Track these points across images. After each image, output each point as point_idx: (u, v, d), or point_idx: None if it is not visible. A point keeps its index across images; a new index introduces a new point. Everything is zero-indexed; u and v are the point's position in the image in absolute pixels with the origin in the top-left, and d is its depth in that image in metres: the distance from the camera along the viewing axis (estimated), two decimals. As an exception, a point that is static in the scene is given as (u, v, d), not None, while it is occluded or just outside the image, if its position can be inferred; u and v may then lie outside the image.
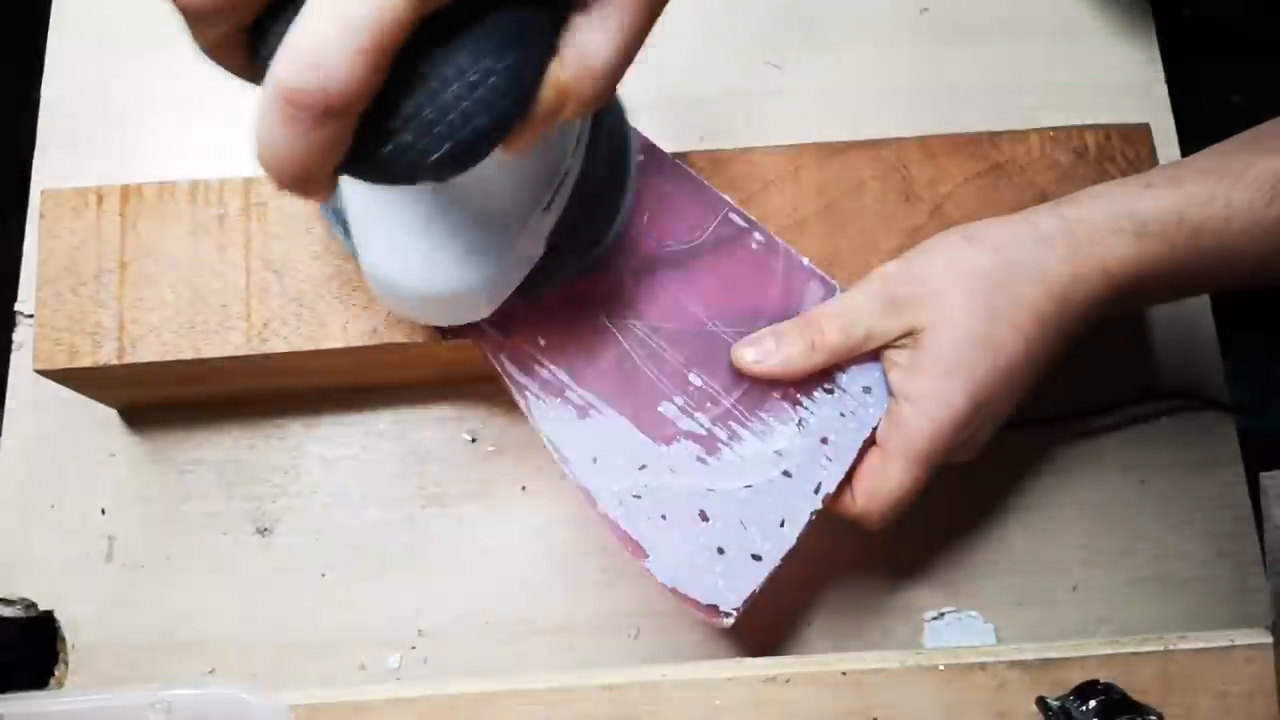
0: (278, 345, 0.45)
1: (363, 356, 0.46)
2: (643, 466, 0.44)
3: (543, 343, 0.44)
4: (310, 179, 0.26)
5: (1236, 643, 0.40)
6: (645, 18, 0.28)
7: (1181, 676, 0.40)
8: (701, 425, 0.44)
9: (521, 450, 0.52)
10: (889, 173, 0.49)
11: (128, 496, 0.52)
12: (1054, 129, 0.50)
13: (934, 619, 0.51)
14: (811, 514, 0.44)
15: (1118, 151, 0.50)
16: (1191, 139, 0.45)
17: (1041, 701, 0.39)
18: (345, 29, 0.23)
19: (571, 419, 0.44)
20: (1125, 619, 0.51)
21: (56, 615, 0.50)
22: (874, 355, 0.45)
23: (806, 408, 0.45)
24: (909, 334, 0.43)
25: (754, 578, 0.43)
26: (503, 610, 0.51)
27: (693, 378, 0.45)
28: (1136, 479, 0.53)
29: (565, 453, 0.43)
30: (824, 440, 0.44)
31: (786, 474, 0.44)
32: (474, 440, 0.53)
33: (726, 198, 0.47)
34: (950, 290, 0.42)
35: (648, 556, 0.43)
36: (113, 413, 0.52)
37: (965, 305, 0.42)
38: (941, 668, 0.40)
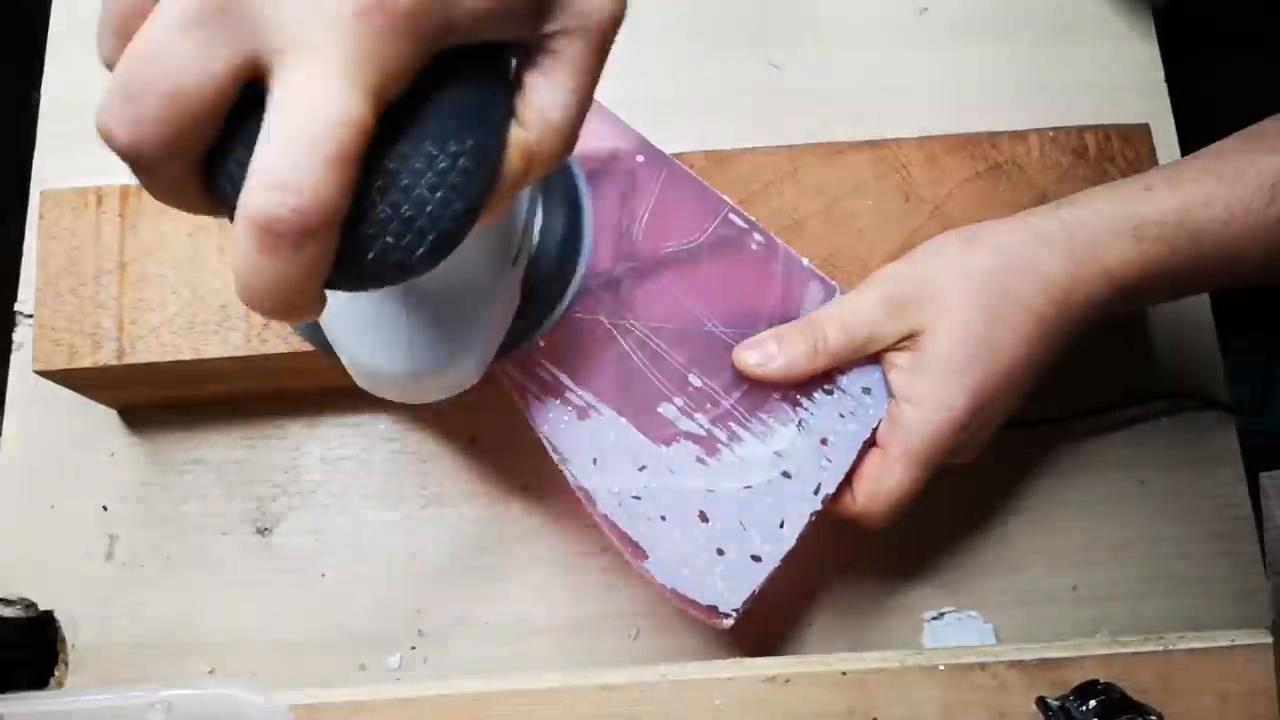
0: (277, 346, 0.45)
1: (363, 356, 0.46)
2: (642, 467, 0.44)
3: (542, 344, 0.44)
4: (300, 304, 0.25)
5: (1236, 643, 0.40)
6: (597, 61, 0.28)
7: (1181, 676, 0.40)
8: (701, 426, 0.44)
9: (521, 450, 0.52)
10: (889, 173, 0.49)
11: (128, 496, 0.52)
12: (1054, 129, 0.50)
13: (934, 619, 0.51)
14: (811, 515, 0.44)
15: (1117, 152, 0.50)
16: (1191, 139, 0.45)
17: (1041, 701, 0.39)
18: (309, 145, 0.22)
19: (571, 420, 0.44)
20: (1125, 619, 0.51)
21: (56, 615, 0.50)
22: (874, 357, 0.45)
23: (806, 409, 0.45)
24: (910, 336, 0.43)
25: (754, 579, 0.43)
26: (503, 610, 0.51)
27: (692, 379, 0.45)
28: (1136, 479, 0.53)
29: (565, 454, 0.44)
30: (824, 441, 0.44)
31: (786, 475, 0.44)
32: (474, 440, 0.53)
33: (726, 198, 0.47)
34: (951, 292, 0.42)
35: (647, 557, 0.43)
36: (113, 413, 0.52)
37: (966, 307, 0.42)
38: (941, 668, 0.40)
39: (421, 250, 0.26)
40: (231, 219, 0.25)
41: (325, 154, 0.22)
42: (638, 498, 0.43)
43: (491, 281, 0.39)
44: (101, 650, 0.50)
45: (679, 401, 0.44)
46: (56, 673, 0.49)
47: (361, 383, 0.41)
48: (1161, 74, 0.59)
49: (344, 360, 0.40)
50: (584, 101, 0.28)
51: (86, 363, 0.45)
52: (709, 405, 0.44)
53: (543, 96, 0.27)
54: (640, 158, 0.46)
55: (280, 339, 0.45)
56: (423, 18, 0.23)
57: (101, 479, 0.52)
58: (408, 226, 0.25)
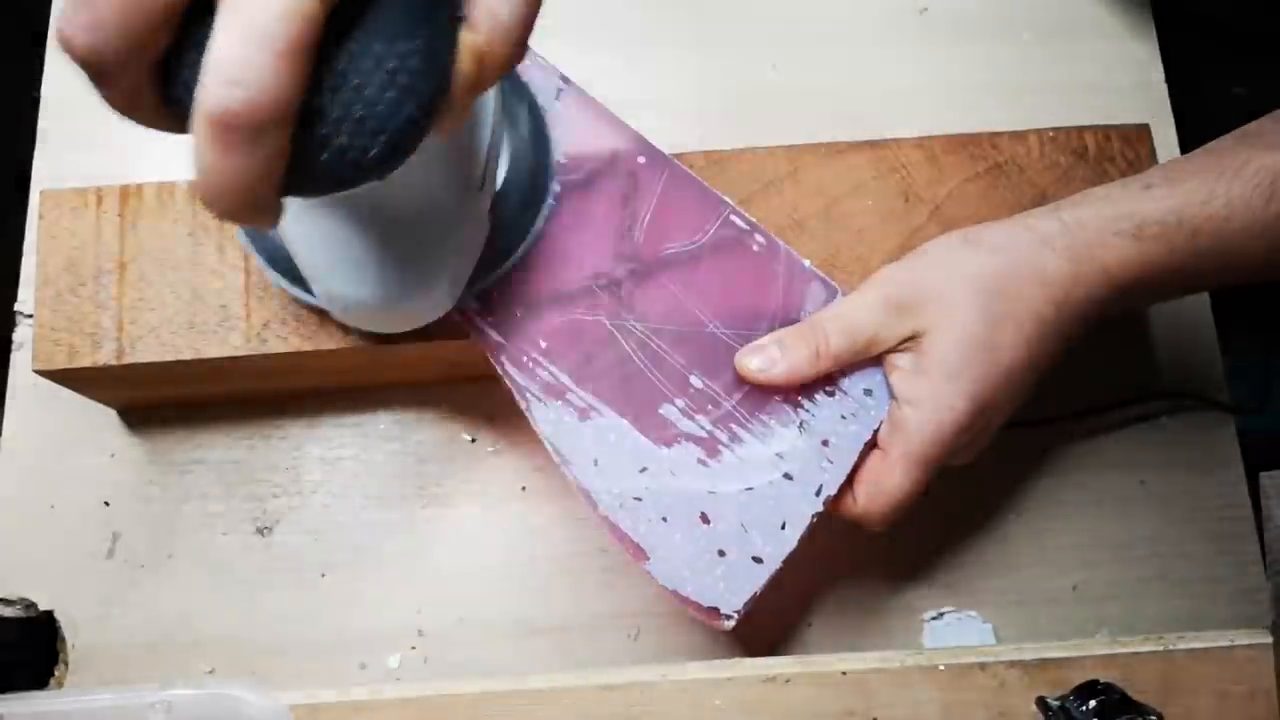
0: (277, 346, 0.45)
1: (362, 357, 0.46)
2: (643, 469, 0.44)
3: (544, 345, 0.44)
4: (256, 203, 0.25)
5: (1236, 643, 0.40)
6: None
7: (1181, 676, 0.40)
8: (702, 427, 0.44)
9: (521, 450, 0.52)
10: (889, 173, 0.49)
11: (128, 496, 0.52)
12: (1054, 129, 0.50)
13: (934, 619, 0.51)
14: (812, 516, 0.44)
15: (1117, 152, 0.50)
16: (1191, 139, 0.45)
17: (1041, 701, 0.39)
18: (260, 39, 0.23)
19: (572, 421, 0.44)
20: (1125, 619, 0.51)
21: (56, 615, 0.50)
22: (876, 359, 0.45)
23: (807, 410, 0.45)
24: (911, 338, 0.43)
25: (755, 580, 0.43)
26: (503, 610, 0.51)
27: (694, 380, 0.45)
28: (1136, 479, 0.53)
29: (566, 455, 0.43)
30: (825, 443, 0.44)
31: (787, 476, 0.44)
32: (474, 440, 0.53)
33: (727, 199, 0.47)
34: (951, 294, 0.42)
35: (648, 559, 0.43)
36: (113, 413, 0.52)
37: (966, 309, 0.42)
38: (941, 668, 0.40)
39: (375, 151, 0.26)
40: (186, 131, 0.25)
41: (277, 46, 0.23)
42: (639, 499, 0.43)
43: (458, 206, 0.39)
44: (101, 650, 0.50)
45: (680, 403, 0.44)
46: (56, 673, 0.49)
47: (338, 314, 0.41)
48: (1161, 74, 0.59)
49: (318, 292, 0.40)
50: (533, 2, 0.28)
51: (86, 362, 0.45)
52: (710, 406, 0.44)
53: None
54: (642, 159, 0.46)
55: (280, 339, 0.45)
56: None
57: (101, 479, 0.52)
58: (360, 127, 0.26)
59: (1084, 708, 0.38)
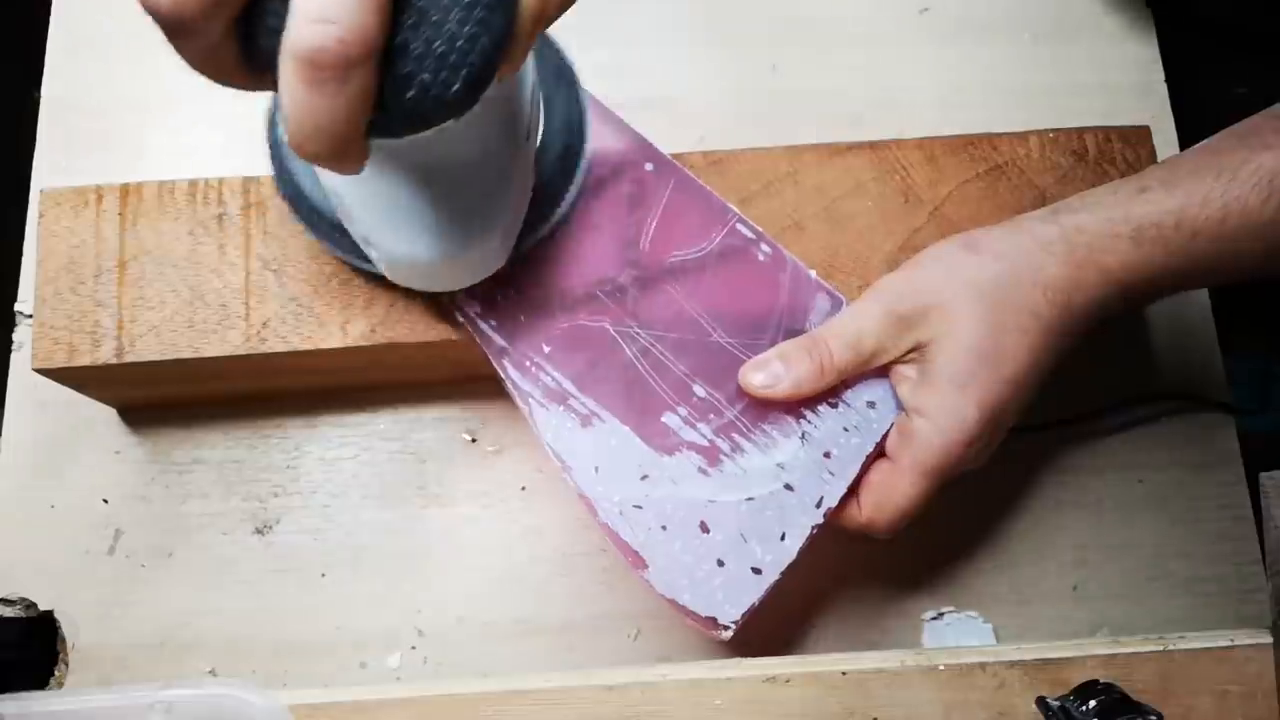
0: (276, 345, 0.45)
1: (361, 356, 0.46)
2: (644, 476, 0.43)
3: (547, 350, 0.44)
4: (346, 143, 0.26)
5: (1236, 643, 0.40)
6: None
7: (1181, 676, 0.40)
8: (704, 436, 0.44)
9: (521, 450, 0.52)
10: (889, 174, 0.49)
11: (128, 496, 0.52)
12: (1054, 130, 0.50)
13: (933, 619, 0.51)
14: (812, 528, 0.44)
15: (1117, 153, 0.50)
16: (1191, 139, 0.45)
17: (1041, 701, 0.39)
18: None
19: (574, 427, 0.44)
20: (1125, 619, 0.51)
21: (56, 615, 0.50)
22: (881, 369, 0.44)
23: (810, 421, 0.44)
24: (916, 348, 0.43)
25: (753, 591, 0.43)
26: (503, 610, 0.51)
27: (696, 388, 0.45)
28: (1136, 479, 0.53)
29: (567, 461, 0.43)
30: (827, 454, 0.44)
31: (788, 487, 0.44)
32: (474, 440, 0.53)
33: (734, 208, 0.47)
34: (954, 302, 0.42)
35: (647, 567, 0.43)
36: (113, 412, 0.52)
37: (970, 317, 0.42)
38: (941, 668, 0.40)
39: (457, 86, 0.27)
40: (266, 87, 0.27)
41: None
42: (639, 507, 0.43)
43: (507, 159, 0.40)
44: (101, 650, 0.50)
45: (682, 411, 0.44)
46: (56, 673, 0.49)
47: (394, 275, 0.42)
48: (1161, 74, 0.59)
49: (376, 256, 0.41)
50: None
51: (86, 361, 0.45)
52: (712, 415, 0.44)
53: None
54: (649, 166, 0.46)
55: (280, 338, 0.45)
56: None
57: (101, 479, 0.52)
58: (442, 62, 0.27)
59: (1084, 708, 0.38)
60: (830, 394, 0.45)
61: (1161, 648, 0.40)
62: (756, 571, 0.43)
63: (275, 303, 0.46)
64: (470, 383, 0.52)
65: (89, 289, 0.45)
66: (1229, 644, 0.40)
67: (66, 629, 0.50)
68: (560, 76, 0.46)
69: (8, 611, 0.49)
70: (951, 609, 0.51)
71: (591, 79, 0.47)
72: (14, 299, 0.53)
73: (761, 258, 0.46)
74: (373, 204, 0.39)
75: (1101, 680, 0.39)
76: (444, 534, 0.52)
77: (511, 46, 0.28)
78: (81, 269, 0.46)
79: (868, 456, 0.44)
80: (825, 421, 0.44)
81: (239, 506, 0.52)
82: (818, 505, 0.44)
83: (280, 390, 0.51)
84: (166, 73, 0.56)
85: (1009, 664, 0.40)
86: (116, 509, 0.51)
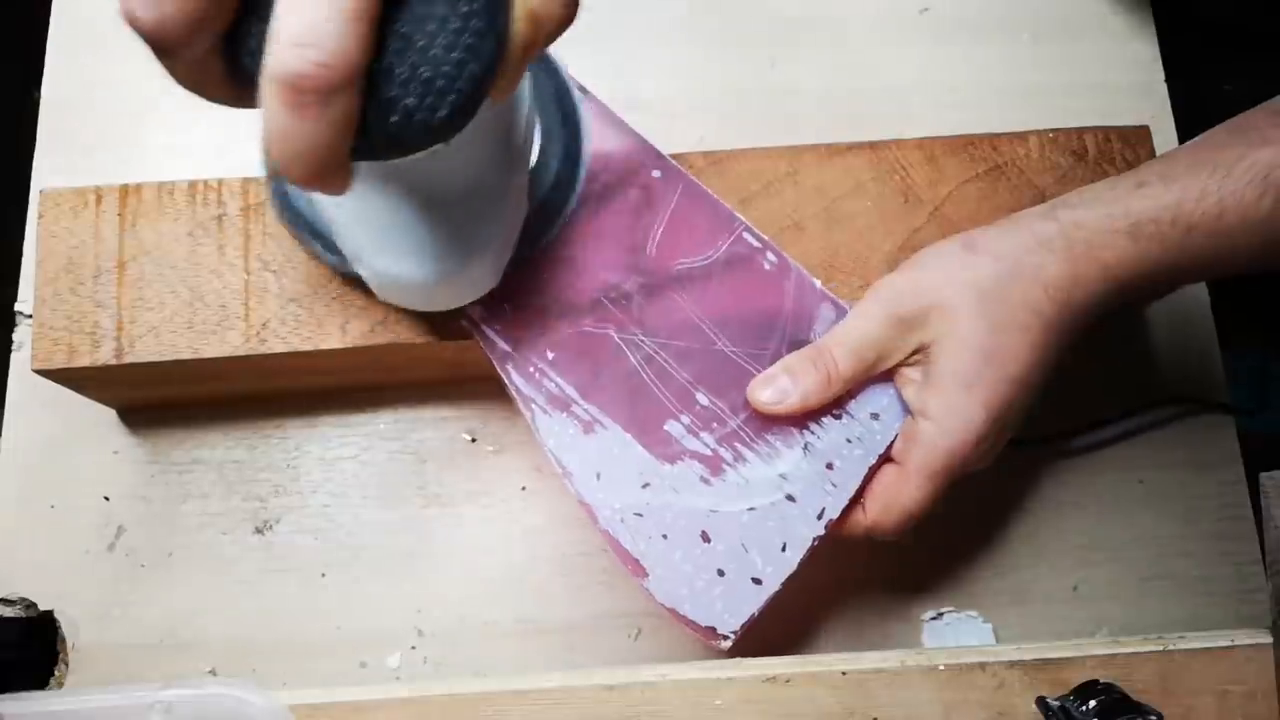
0: (276, 345, 0.45)
1: (361, 357, 0.46)
2: (646, 484, 0.43)
3: (551, 356, 0.44)
4: (329, 166, 0.26)
5: (1236, 643, 0.40)
6: None
7: (1181, 676, 0.40)
8: (707, 445, 0.44)
9: (521, 450, 0.52)
10: (888, 174, 0.49)
11: (128, 496, 0.52)
12: (1053, 130, 0.50)
13: (933, 619, 0.51)
14: (814, 539, 0.44)
15: (1117, 153, 0.50)
16: (1191, 139, 0.45)
17: (1041, 701, 0.39)
18: (328, 1, 0.23)
19: (576, 434, 0.44)
20: (1125, 619, 0.51)
21: (56, 615, 0.50)
22: (886, 374, 0.44)
23: (813, 432, 0.44)
24: (919, 350, 0.43)
25: (753, 602, 0.43)
26: (503, 610, 0.51)
27: (700, 397, 0.44)
28: (1136, 479, 0.53)
29: (569, 467, 0.43)
30: (829, 465, 0.44)
31: (790, 498, 0.44)
32: (474, 440, 0.53)
33: (740, 216, 0.46)
34: (955, 303, 0.42)
35: (647, 576, 0.43)
36: (113, 413, 0.52)
37: (972, 317, 0.42)
38: (941, 668, 0.40)
39: (443, 112, 0.27)
40: (252, 104, 0.26)
41: (344, 7, 0.24)
42: (640, 515, 0.43)
43: (500, 180, 0.39)
44: (101, 650, 0.50)
45: (685, 419, 0.44)
46: (56, 673, 0.49)
47: (385, 295, 0.42)
48: (1161, 74, 0.59)
49: (366, 275, 0.41)
50: None
51: (85, 361, 0.45)
52: (715, 424, 0.44)
53: None
54: (656, 173, 0.46)
55: (280, 339, 0.45)
56: None
57: (101, 479, 0.52)
58: (428, 88, 0.26)
59: (1084, 708, 0.38)
60: (834, 405, 0.44)
61: (1161, 648, 0.40)
62: (757, 582, 0.43)
63: (275, 303, 0.46)
64: (470, 383, 0.52)
65: (88, 290, 0.45)
66: (1229, 644, 0.40)
67: (66, 629, 0.50)
68: (559, 89, 0.45)
69: (8, 611, 0.49)
70: (951, 609, 0.51)
71: (591, 79, 0.47)
72: (14, 299, 0.53)
73: (767, 266, 0.46)
74: (361, 222, 0.38)
75: (1101, 680, 0.39)
76: (444, 534, 0.52)
77: (501, 73, 0.28)
78: (81, 269, 0.46)
79: (871, 468, 0.44)
80: (829, 432, 0.44)
81: (239, 506, 0.52)
82: (819, 516, 0.44)
83: (280, 390, 0.51)
84: (166, 73, 0.57)
85: (1009, 664, 0.40)
86: (116, 509, 0.51)
